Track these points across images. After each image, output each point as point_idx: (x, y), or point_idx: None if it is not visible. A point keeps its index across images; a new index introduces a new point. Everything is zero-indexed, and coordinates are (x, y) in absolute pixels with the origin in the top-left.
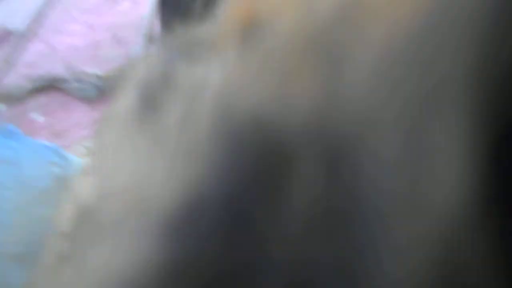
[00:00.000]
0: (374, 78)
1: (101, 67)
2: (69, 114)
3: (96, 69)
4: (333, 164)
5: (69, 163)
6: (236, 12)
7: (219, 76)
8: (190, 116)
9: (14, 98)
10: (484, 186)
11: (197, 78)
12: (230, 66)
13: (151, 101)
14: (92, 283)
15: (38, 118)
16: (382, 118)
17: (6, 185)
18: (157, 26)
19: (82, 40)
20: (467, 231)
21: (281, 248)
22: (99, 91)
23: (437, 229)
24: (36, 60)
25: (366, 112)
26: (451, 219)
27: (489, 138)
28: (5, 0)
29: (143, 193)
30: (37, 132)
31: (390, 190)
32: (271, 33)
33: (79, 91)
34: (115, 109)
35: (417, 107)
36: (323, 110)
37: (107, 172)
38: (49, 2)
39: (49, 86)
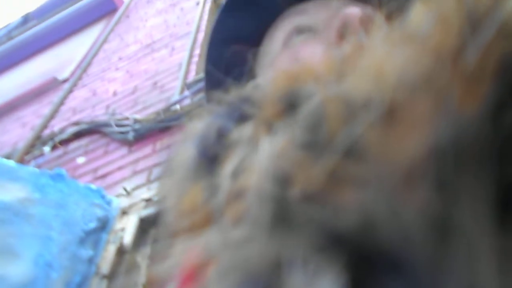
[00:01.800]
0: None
1: (139, 112)
2: (109, 156)
3: (134, 114)
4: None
5: (110, 204)
6: (278, 81)
7: (268, 148)
8: (242, 176)
9: (59, 141)
10: None
11: (246, 138)
12: (275, 141)
13: (206, 156)
14: None
15: (80, 160)
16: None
17: (54, 227)
18: (192, 73)
19: (122, 86)
20: None
21: None
22: (137, 134)
23: None
24: (80, 105)
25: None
26: None
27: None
28: (53, 50)
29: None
30: (80, 174)
31: None
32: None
33: (119, 135)
34: (176, 160)
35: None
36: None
37: (166, 214)
38: (92, 51)
39: (92, 130)
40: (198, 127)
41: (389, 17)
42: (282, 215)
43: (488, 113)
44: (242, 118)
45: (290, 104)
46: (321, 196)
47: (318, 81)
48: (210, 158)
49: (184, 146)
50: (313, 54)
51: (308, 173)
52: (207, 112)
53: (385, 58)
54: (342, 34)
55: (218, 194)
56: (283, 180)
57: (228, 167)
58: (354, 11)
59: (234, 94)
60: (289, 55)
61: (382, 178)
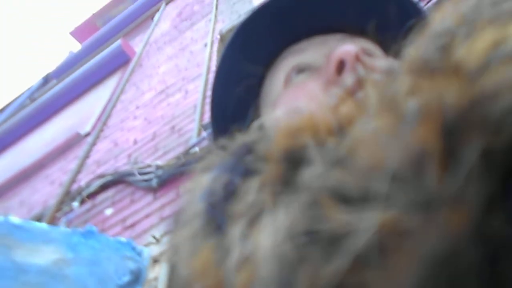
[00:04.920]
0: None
1: (160, 157)
2: (136, 205)
3: (156, 160)
4: None
5: (141, 255)
6: (279, 138)
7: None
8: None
9: (87, 195)
10: None
11: (252, 203)
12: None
13: (214, 213)
14: None
15: (108, 211)
16: None
17: (89, 285)
18: (207, 114)
19: (141, 134)
20: None
21: None
22: (160, 181)
23: None
24: (104, 157)
25: None
26: None
27: None
28: (74, 106)
29: None
30: (109, 225)
31: None
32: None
33: (143, 182)
34: (184, 215)
35: None
36: None
37: (176, 271)
38: (111, 103)
39: (116, 181)
40: (205, 179)
41: (385, 49)
42: None
43: (477, 224)
44: (247, 173)
45: (290, 165)
46: None
47: (317, 139)
48: (218, 215)
49: (192, 200)
50: (312, 96)
51: (314, 274)
52: (213, 161)
53: (377, 139)
54: (339, 71)
55: (228, 262)
56: (289, 272)
57: (236, 232)
58: (350, 48)
59: (239, 140)
60: (289, 97)
61: None
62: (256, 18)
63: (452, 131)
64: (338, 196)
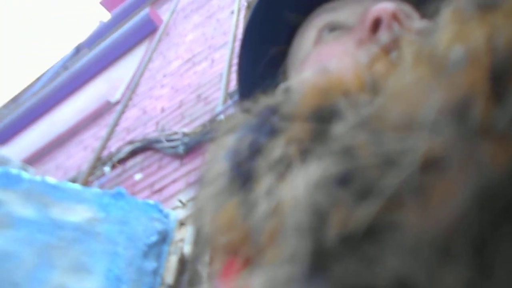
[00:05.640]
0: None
1: (187, 125)
2: (163, 170)
3: (182, 127)
4: None
5: (168, 217)
6: (307, 96)
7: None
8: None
9: (117, 161)
10: None
11: (278, 158)
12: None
13: (239, 171)
14: None
15: (137, 176)
16: None
17: (119, 243)
18: (233, 82)
19: (168, 102)
20: None
21: None
22: (187, 147)
23: None
24: (133, 125)
25: None
26: None
27: None
28: (104, 75)
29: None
30: (138, 189)
31: None
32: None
33: (170, 149)
34: (209, 175)
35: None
36: None
37: (201, 229)
38: (139, 72)
39: (145, 147)
40: (229, 140)
41: (421, 13)
42: (320, 255)
43: None
44: (273, 132)
45: (320, 123)
46: (357, 246)
47: (348, 98)
48: (243, 173)
49: (216, 160)
50: (345, 54)
51: (346, 216)
52: (238, 122)
53: (415, 90)
54: (375, 29)
55: (255, 214)
56: (320, 218)
57: (262, 186)
58: (387, 5)
59: (264, 102)
60: (320, 55)
61: (419, 245)
62: None
63: (502, 73)
64: (375, 135)
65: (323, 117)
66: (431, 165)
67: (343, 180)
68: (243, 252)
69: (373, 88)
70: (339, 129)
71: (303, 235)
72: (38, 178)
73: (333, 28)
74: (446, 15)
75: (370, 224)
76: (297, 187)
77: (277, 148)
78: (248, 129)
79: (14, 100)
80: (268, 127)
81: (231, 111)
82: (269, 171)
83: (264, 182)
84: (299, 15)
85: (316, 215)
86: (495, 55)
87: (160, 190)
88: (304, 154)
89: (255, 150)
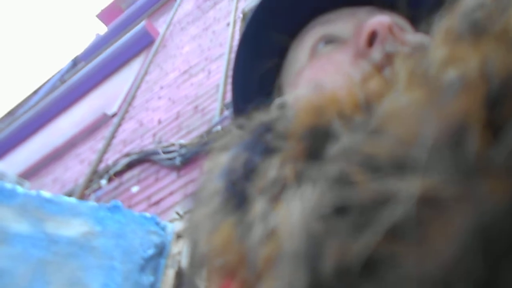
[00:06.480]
0: None
1: (184, 136)
2: (160, 183)
3: (180, 139)
4: None
5: (165, 230)
6: (302, 114)
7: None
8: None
9: (114, 174)
10: None
11: (273, 179)
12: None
13: (234, 191)
14: None
15: (134, 189)
16: None
17: (115, 257)
18: (229, 93)
19: (165, 114)
20: None
21: None
22: (184, 159)
23: None
24: (130, 137)
25: None
26: None
27: None
28: (101, 87)
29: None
30: (135, 202)
31: None
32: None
33: (167, 161)
34: (204, 193)
35: None
36: None
37: (196, 248)
38: (135, 84)
39: (142, 159)
40: (224, 158)
41: (415, 26)
42: (316, 283)
43: None
44: (267, 151)
45: (314, 142)
46: (355, 281)
47: (342, 117)
48: (238, 192)
49: (211, 178)
50: (340, 69)
51: (343, 247)
52: (231, 140)
53: (409, 115)
54: (370, 43)
55: (251, 238)
56: (317, 247)
57: (258, 209)
58: (383, 19)
59: (259, 119)
60: (315, 69)
61: (418, 283)
62: None
63: (497, 101)
64: (370, 166)
65: (317, 136)
66: (428, 202)
67: (339, 210)
68: (240, 275)
69: (367, 107)
70: (334, 151)
71: (299, 265)
72: (32, 192)
73: (328, 40)
74: (439, 34)
75: (368, 258)
76: (292, 213)
77: (271, 169)
78: (242, 147)
79: (11, 113)
80: (262, 146)
81: (227, 122)
82: (264, 193)
83: (259, 205)
84: (293, 28)
85: (312, 244)
86: (489, 81)
87: (157, 202)
88: (299, 176)
89: (250, 169)
